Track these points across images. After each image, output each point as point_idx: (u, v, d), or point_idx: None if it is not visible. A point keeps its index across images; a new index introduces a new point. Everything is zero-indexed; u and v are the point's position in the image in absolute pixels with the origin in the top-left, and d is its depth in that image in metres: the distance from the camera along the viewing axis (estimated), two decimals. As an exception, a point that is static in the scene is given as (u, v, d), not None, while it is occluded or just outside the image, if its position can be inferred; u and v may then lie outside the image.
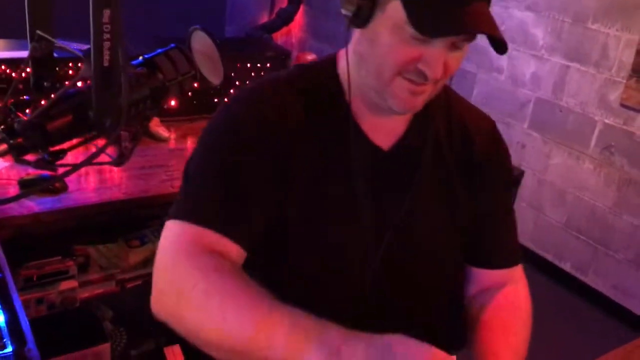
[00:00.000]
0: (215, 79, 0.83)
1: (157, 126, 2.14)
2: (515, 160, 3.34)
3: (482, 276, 1.11)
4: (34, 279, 1.74)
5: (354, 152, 0.96)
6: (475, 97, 3.59)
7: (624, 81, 2.83)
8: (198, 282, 0.80)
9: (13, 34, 1.86)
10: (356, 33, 0.93)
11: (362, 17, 0.86)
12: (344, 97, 0.98)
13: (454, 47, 0.86)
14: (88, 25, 0.68)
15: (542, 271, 3.28)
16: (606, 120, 2.96)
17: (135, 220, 1.94)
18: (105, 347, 1.88)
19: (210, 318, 0.77)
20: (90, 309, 1.95)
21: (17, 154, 0.67)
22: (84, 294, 1.86)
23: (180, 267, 0.83)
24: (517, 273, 1.13)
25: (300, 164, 0.94)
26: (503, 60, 3.41)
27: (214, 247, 0.87)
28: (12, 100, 0.70)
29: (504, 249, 1.12)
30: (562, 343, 2.74)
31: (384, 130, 1.00)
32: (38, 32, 0.71)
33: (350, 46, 0.96)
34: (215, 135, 0.95)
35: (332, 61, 1.01)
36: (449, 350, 1.21)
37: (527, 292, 1.12)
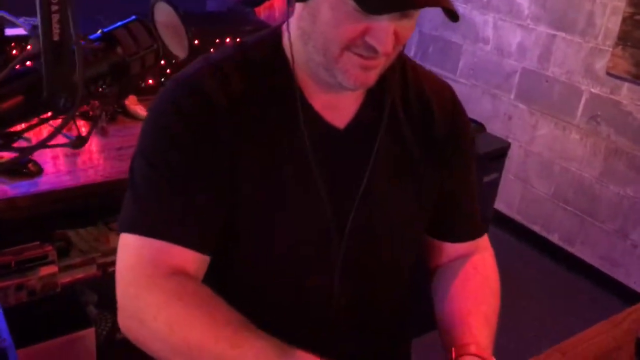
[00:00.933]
0: (180, 52, 0.78)
1: (134, 105, 2.09)
2: (501, 132, 3.35)
3: (449, 249, 1.09)
4: (12, 265, 1.70)
5: (307, 132, 0.90)
6: (462, 69, 3.55)
7: (610, 49, 2.80)
8: (159, 312, 0.79)
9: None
10: (298, 7, 0.86)
11: None
12: (291, 75, 0.91)
13: (404, 16, 0.80)
14: None
15: (529, 243, 3.29)
16: (592, 90, 2.93)
17: (115, 202, 1.90)
18: (90, 332, 1.86)
19: (175, 350, 0.79)
20: (73, 293, 1.92)
21: (-34, 137, 0.62)
22: (66, 279, 1.83)
23: (141, 295, 0.82)
24: (483, 243, 1.11)
25: (252, 149, 0.89)
26: (489, 30, 3.36)
27: (176, 261, 0.84)
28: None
29: (469, 222, 1.09)
30: (551, 314, 2.75)
31: (338, 107, 0.94)
32: (-16, 5, 0.66)
33: (293, 21, 0.89)
34: (156, 133, 0.88)
35: (275, 36, 0.94)
36: (418, 333, 1.19)
37: (493, 261, 1.10)
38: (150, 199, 0.85)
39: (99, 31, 0.73)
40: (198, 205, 0.86)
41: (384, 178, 0.96)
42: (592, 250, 3.06)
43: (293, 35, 0.88)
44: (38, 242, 1.75)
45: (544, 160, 3.22)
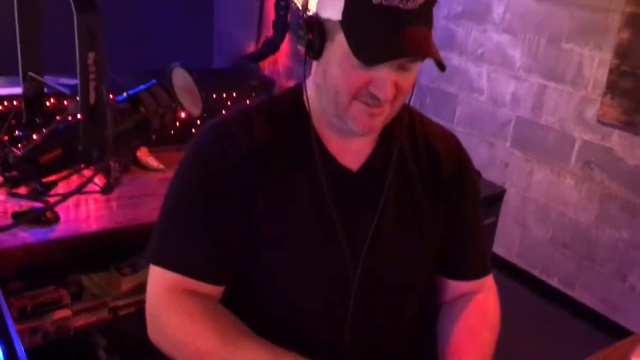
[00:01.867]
0: (195, 110, 0.89)
1: (146, 156, 2.20)
2: (499, 178, 3.44)
3: (455, 286, 1.16)
4: (28, 309, 1.77)
5: (324, 173, 1.01)
6: (458, 118, 3.68)
7: (600, 98, 2.92)
8: (175, 332, 0.95)
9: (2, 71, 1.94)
10: (313, 66, 1.00)
11: (315, 50, 0.93)
12: (310, 123, 1.03)
13: (402, 68, 0.92)
14: (72, 58, 0.75)
15: (530, 287, 3.33)
16: (585, 137, 3.04)
17: (127, 248, 1.99)
18: (100, 375, 1.91)
19: (192, 357, 0.95)
20: (85, 336, 1.98)
21: (11, 185, 0.72)
22: (78, 322, 1.89)
23: (161, 316, 0.97)
24: (488, 282, 1.19)
25: (271, 191, 0.99)
26: (483, 81, 3.50)
27: (192, 288, 0.97)
28: (7, 137, 0.76)
29: (474, 261, 1.17)
30: (553, 358, 2.77)
31: (351, 152, 1.05)
32: (29, 73, 0.77)
33: (310, 78, 1.02)
34: (185, 177, 1.01)
35: (297, 91, 1.06)
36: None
37: (496, 300, 1.17)
38: (171, 235, 0.97)
39: (125, 93, 0.84)
40: (214, 243, 0.97)
41: (392, 219, 1.06)
42: (591, 293, 3.11)
43: (310, 90, 1.01)
44: (53, 287, 1.83)
45: (541, 206, 3.30)
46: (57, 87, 0.75)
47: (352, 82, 0.92)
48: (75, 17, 0.67)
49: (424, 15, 0.90)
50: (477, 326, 1.10)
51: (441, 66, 0.92)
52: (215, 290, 0.99)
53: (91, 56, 0.68)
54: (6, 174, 0.71)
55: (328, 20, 0.92)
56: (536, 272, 3.34)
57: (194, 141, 1.02)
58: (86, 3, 0.66)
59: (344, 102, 0.94)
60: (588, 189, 3.06)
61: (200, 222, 0.97)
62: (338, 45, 0.91)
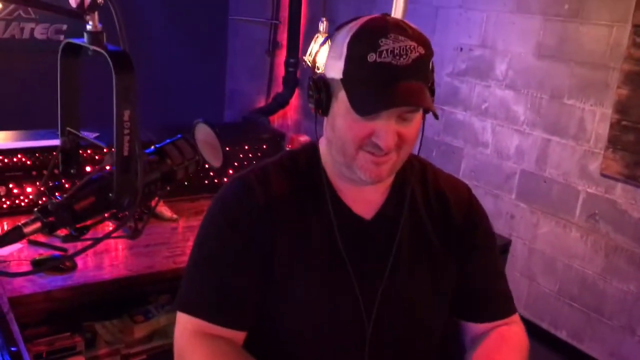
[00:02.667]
0: (216, 162, 0.97)
1: (160, 206, 2.27)
2: (505, 230, 3.48)
3: (478, 328, 1.20)
4: (44, 355, 1.81)
5: (337, 222, 1.07)
6: (464, 171, 3.75)
7: (602, 152, 2.98)
8: None
9: (38, 123, 2.06)
10: (325, 122, 1.09)
11: (323, 107, 1.02)
12: (325, 175, 1.11)
13: (402, 119, 1.00)
14: (99, 112, 0.82)
15: (538, 340, 3.31)
16: (589, 190, 3.09)
17: (140, 296, 2.04)
18: (109, 423, 1.92)
19: None
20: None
21: (48, 230, 0.79)
22: (91, 369, 1.93)
23: (185, 358, 1.02)
24: (514, 319, 1.22)
25: (287, 240, 1.05)
26: (488, 135, 3.59)
27: (215, 333, 1.02)
28: (45, 187, 0.83)
29: (495, 304, 1.21)
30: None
31: (364, 201, 1.12)
32: (68, 128, 0.85)
33: (324, 136, 1.11)
34: (207, 228, 1.09)
35: (313, 146, 1.15)
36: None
37: (522, 329, 1.19)
38: (195, 283, 1.04)
39: (152, 146, 0.92)
40: (233, 289, 1.03)
41: (406, 265, 1.11)
42: (601, 346, 3.09)
43: (322, 145, 1.09)
44: (69, 333, 1.87)
45: (547, 258, 3.32)
46: (94, 141, 0.83)
47: (356, 134, 1.00)
48: (114, 77, 0.75)
49: (417, 70, 0.98)
50: (502, 350, 1.12)
51: (435, 115, 1.00)
52: (236, 335, 1.04)
53: (127, 113, 0.75)
54: (44, 220, 0.78)
55: (332, 79, 1.01)
56: (544, 325, 3.34)
57: (218, 194, 1.10)
58: (125, 65, 0.75)
59: (351, 152, 1.02)
60: (594, 242, 3.09)
61: (219, 272, 1.03)
62: (341, 101, 1.00)
